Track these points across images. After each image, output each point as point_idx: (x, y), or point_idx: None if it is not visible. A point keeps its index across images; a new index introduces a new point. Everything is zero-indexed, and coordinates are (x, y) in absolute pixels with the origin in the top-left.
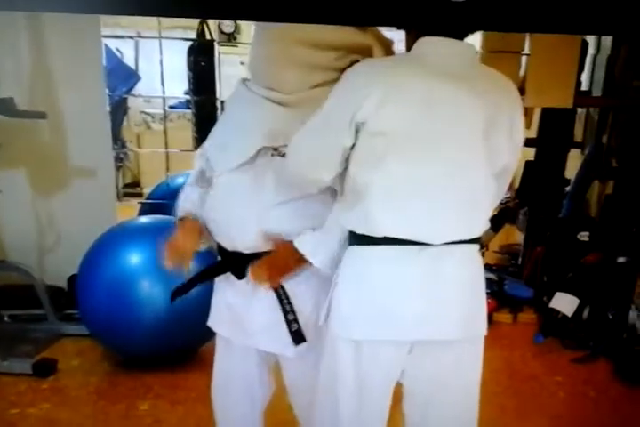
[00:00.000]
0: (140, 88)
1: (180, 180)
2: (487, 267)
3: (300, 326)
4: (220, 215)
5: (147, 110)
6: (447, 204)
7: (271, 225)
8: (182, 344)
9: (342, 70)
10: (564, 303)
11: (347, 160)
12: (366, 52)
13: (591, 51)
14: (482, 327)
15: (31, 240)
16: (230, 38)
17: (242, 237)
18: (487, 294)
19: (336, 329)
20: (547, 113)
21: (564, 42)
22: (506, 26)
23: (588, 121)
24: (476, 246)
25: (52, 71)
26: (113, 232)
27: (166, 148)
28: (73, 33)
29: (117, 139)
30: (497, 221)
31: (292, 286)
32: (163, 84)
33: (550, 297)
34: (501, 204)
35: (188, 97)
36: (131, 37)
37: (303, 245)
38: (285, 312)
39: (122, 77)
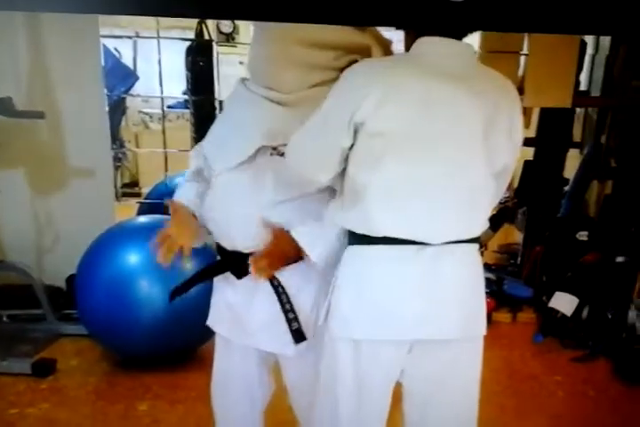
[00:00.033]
0: (138, 88)
1: (178, 180)
2: (486, 266)
3: (301, 324)
4: (218, 215)
5: (145, 110)
6: (446, 204)
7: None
8: (181, 344)
9: (341, 70)
10: (564, 303)
11: (346, 160)
12: (365, 52)
13: (590, 51)
14: (481, 327)
15: (30, 240)
16: (229, 38)
17: (241, 237)
18: (486, 293)
19: (336, 329)
20: (545, 113)
21: (562, 42)
22: (505, 26)
23: (586, 121)
24: (476, 246)
25: (50, 71)
26: (111, 232)
27: (165, 148)
28: (71, 33)
29: (116, 139)
30: (496, 221)
31: (292, 285)
32: (161, 83)
33: (549, 297)
34: (500, 203)
35: (186, 97)
36: (129, 37)
37: (302, 237)
38: (286, 311)
39: (120, 77)
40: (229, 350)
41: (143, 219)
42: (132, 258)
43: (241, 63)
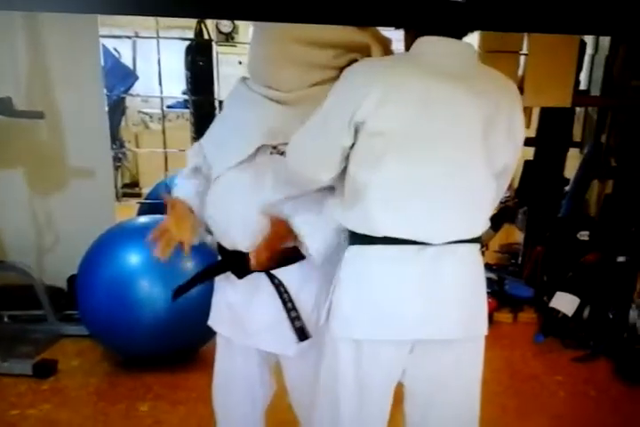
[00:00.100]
0: (137, 88)
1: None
2: (487, 266)
3: (304, 322)
4: (219, 214)
5: (145, 110)
6: (447, 203)
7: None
8: (182, 344)
9: (341, 69)
10: (565, 303)
11: (346, 159)
12: (364, 51)
13: (589, 50)
14: (482, 327)
15: (30, 240)
16: (228, 38)
17: (241, 236)
18: (488, 293)
19: (337, 329)
20: (545, 112)
21: (562, 42)
22: (505, 26)
23: (586, 120)
24: (477, 246)
25: (49, 71)
26: (112, 232)
27: (165, 147)
28: (71, 32)
29: (116, 139)
30: (497, 221)
31: (293, 284)
32: (161, 83)
33: (550, 297)
34: (501, 203)
35: (186, 97)
36: (128, 37)
37: (301, 227)
38: (288, 310)
39: (120, 77)
40: (231, 350)
41: (144, 219)
42: (133, 258)
43: (240, 63)
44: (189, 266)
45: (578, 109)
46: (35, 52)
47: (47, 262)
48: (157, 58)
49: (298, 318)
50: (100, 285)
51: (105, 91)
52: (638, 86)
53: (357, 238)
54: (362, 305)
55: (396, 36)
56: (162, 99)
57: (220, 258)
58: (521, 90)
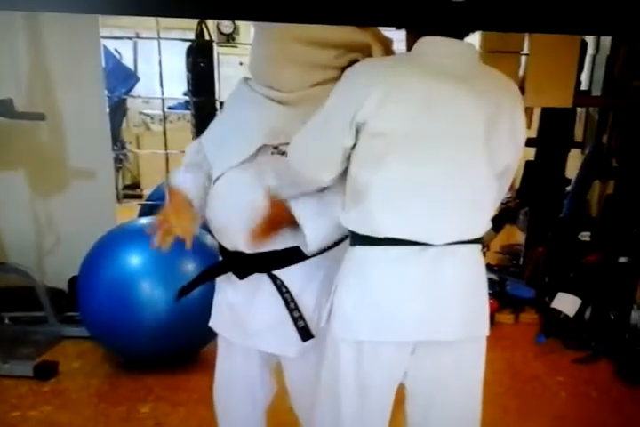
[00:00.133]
0: (138, 89)
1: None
2: (488, 267)
3: (307, 322)
4: (220, 214)
5: (146, 111)
6: (448, 204)
7: None
8: (183, 346)
9: (342, 69)
10: (566, 304)
11: (348, 160)
12: (366, 51)
13: (590, 51)
14: (484, 328)
15: (31, 242)
16: (229, 39)
17: (243, 237)
18: (489, 294)
19: (338, 330)
20: (547, 113)
21: (563, 42)
22: (506, 26)
23: (588, 121)
24: (478, 247)
25: (50, 72)
26: (113, 234)
27: (166, 149)
28: (71, 33)
29: (117, 140)
30: (498, 222)
31: (295, 284)
32: (162, 85)
33: (552, 297)
34: (502, 204)
35: (187, 98)
36: (129, 38)
37: (300, 211)
38: (291, 310)
39: (121, 78)
40: (231, 351)
41: (145, 221)
42: (134, 260)
43: (241, 64)
44: (190, 267)
45: (579, 110)
46: (35, 53)
47: (48, 264)
48: (158, 59)
49: (301, 317)
50: (101, 286)
51: (106, 92)
52: (639, 86)
53: (359, 239)
54: (363, 306)
55: (397, 37)
56: (163, 100)
57: (220, 259)
58: (522, 90)
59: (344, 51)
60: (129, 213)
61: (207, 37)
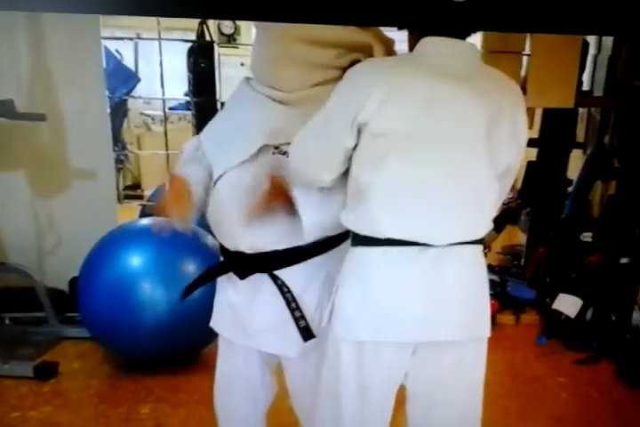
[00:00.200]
0: (139, 90)
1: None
2: (490, 268)
3: (308, 322)
4: (221, 214)
5: (147, 112)
6: (448, 204)
7: (271, 224)
8: (184, 346)
9: (343, 69)
10: (567, 304)
11: (349, 160)
12: (367, 51)
13: (592, 51)
14: (485, 329)
15: (31, 242)
16: (230, 39)
17: (243, 237)
18: (490, 295)
19: (339, 330)
20: (548, 113)
21: (564, 42)
22: (508, 26)
23: (589, 121)
24: (480, 247)
25: (51, 72)
26: (114, 234)
27: (167, 149)
28: (72, 34)
29: (118, 140)
30: (499, 222)
31: (296, 284)
32: (162, 85)
33: (553, 298)
34: (504, 204)
35: (187, 98)
36: (130, 39)
37: (299, 192)
38: (292, 309)
39: (122, 79)
40: (232, 351)
41: (145, 221)
42: (135, 260)
43: (242, 64)
44: (191, 268)
45: (581, 110)
46: (36, 54)
47: (48, 264)
48: (159, 59)
49: (302, 317)
50: (101, 287)
51: (107, 93)
52: None
53: (360, 240)
54: (364, 306)
55: (399, 37)
56: (164, 100)
57: (222, 259)
58: (523, 90)
59: (345, 51)
60: (130, 213)
61: (208, 38)
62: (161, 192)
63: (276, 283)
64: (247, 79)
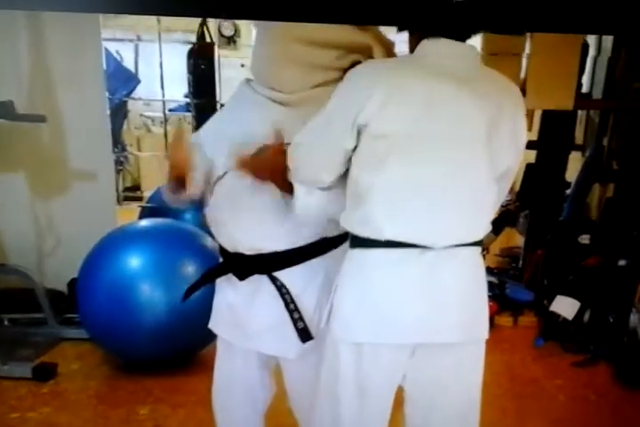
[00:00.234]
0: (139, 91)
1: None
2: (488, 270)
3: (306, 323)
4: (221, 215)
5: (147, 113)
6: (448, 204)
7: (272, 224)
8: (183, 348)
9: (343, 70)
10: (565, 307)
11: (349, 162)
12: (366, 52)
13: (592, 53)
14: (483, 331)
15: (31, 243)
16: (230, 41)
17: (243, 238)
18: (488, 297)
19: (337, 331)
20: (547, 115)
21: (564, 44)
22: (508, 27)
23: (588, 123)
24: (478, 249)
25: (51, 73)
26: (113, 236)
27: (166, 151)
28: (73, 35)
29: (117, 142)
30: (497, 224)
31: (295, 286)
32: (162, 87)
33: (551, 300)
34: (502, 206)
35: (187, 100)
36: (131, 40)
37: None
38: (290, 311)
39: (122, 81)
40: (231, 352)
41: (145, 223)
42: (134, 262)
43: (242, 66)
44: (190, 270)
45: (580, 112)
46: (36, 55)
47: (48, 266)
48: (159, 61)
49: (300, 318)
50: (100, 288)
51: (107, 94)
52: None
53: (359, 242)
54: (363, 307)
55: (400, 38)
56: (164, 102)
57: (221, 260)
58: (523, 92)
59: (345, 52)
60: (129, 215)
61: (208, 40)
62: (162, 206)
63: (275, 284)
64: (248, 80)
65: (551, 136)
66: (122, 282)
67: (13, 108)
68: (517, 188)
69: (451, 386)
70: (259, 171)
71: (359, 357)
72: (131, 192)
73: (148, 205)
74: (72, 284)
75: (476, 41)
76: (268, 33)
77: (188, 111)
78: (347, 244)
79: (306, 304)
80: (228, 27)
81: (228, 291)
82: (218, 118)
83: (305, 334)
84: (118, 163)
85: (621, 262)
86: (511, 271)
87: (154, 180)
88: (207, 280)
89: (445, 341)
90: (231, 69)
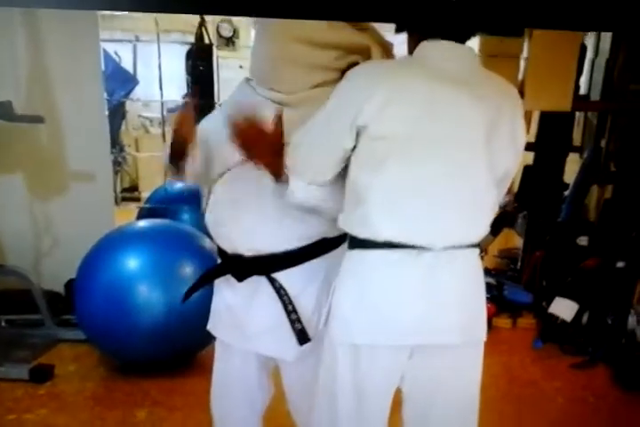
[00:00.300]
0: (138, 92)
1: (178, 184)
2: (486, 271)
3: (304, 325)
4: (220, 216)
5: (145, 114)
6: (448, 204)
7: (271, 225)
8: (180, 349)
9: (342, 71)
10: (564, 308)
11: (347, 160)
12: (365, 53)
13: (589, 54)
14: (482, 332)
15: (29, 244)
16: (229, 42)
17: (242, 239)
18: (487, 298)
19: (336, 333)
20: (545, 117)
21: (562, 45)
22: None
23: (586, 125)
24: (477, 251)
25: (49, 73)
26: (111, 237)
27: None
28: (71, 35)
29: (116, 143)
30: (496, 226)
31: (293, 287)
32: (161, 88)
33: (549, 302)
34: (500, 208)
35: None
36: (129, 41)
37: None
38: (288, 312)
39: (120, 81)
40: (229, 353)
41: (143, 223)
42: (132, 263)
43: (241, 67)
44: (187, 271)
45: (577, 114)
46: (34, 55)
47: (45, 267)
48: (158, 62)
49: (298, 320)
50: (97, 289)
51: (105, 95)
52: (637, 90)
53: (357, 242)
54: (361, 308)
55: (399, 39)
56: (162, 103)
57: (219, 261)
58: (521, 94)
59: (344, 52)
60: (127, 215)
61: (207, 41)
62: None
63: (273, 285)
64: (247, 80)
65: (549, 138)
66: (119, 283)
67: (11, 108)
68: (516, 189)
69: (449, 386)
70: (253, 145)
71: (357, 358)
72: (129, 193)
73: (146, 205)
74: (69, 285)
75: (474, 43)
76: (267, 33)
77: None
78: (345, 245)
79: (304, 305)
80: (226, 28)
81: (227, 292)
82: (217, 118)
83: (302, 336)
84: (116, 163)
85: (620, 264)
86: (510, 273)
87: (152, 180)
88: (206, 281)
89: (444, 342)
90: (230, 70)
